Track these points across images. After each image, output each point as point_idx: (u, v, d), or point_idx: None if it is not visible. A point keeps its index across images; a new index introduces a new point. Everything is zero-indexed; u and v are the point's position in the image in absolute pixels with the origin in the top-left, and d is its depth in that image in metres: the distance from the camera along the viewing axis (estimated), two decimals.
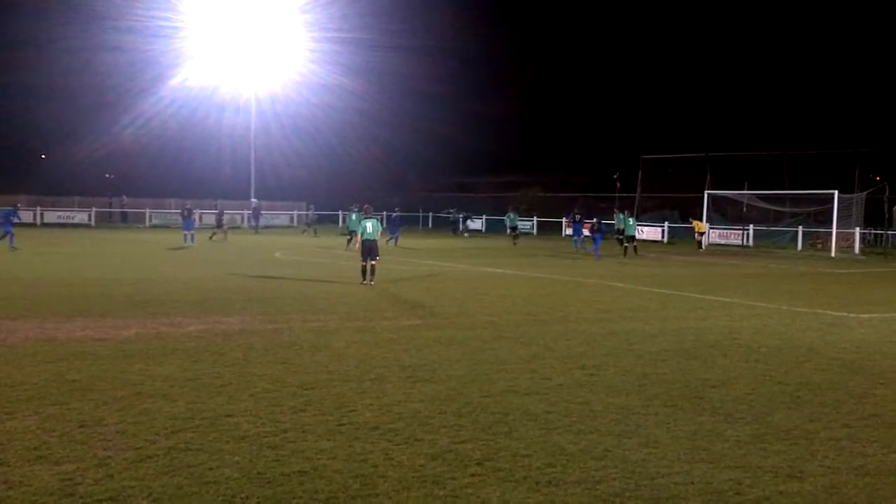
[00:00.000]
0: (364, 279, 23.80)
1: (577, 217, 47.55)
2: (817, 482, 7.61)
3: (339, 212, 77.70)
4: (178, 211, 50.82)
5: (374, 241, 24.04)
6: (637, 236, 49.26)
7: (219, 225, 49.83)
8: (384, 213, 73.56)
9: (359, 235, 24.37)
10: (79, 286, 22.03)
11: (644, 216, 62.46)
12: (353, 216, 41.46)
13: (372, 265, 23.87)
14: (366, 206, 26.11)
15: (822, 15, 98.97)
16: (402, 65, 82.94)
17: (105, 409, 9.49)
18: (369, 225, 24.14)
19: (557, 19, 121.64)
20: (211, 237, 47.61)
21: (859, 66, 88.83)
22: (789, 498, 7.22)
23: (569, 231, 52.06)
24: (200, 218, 56.26)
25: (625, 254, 42.20)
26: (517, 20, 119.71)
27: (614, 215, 49.91)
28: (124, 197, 74.01)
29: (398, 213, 50.29)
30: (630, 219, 44.02)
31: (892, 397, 10.98)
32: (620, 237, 44.87)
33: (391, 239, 45.14)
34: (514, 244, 49.74)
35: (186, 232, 42.75)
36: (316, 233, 54.40)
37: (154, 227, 67.20)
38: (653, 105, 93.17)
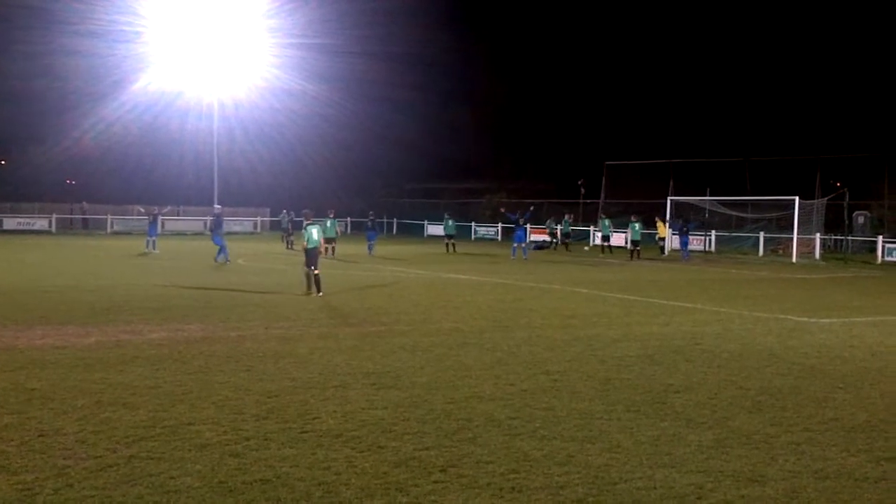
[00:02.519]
0: (309, 289, 22.59)
1: (521, 220, 43.18)
2: (778, 486, 7.67)
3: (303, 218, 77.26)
4: (146, 217, 48.98)
5: (318, 248, 23.20)
6: (602, 241, 50.08)
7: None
8: (348, 218, 73.50)
9: (304, 242, 22.99)
10: (39, 294, 21.78)
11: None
12: (329, 223, 41.24)
13: (315, 274, 22.62)
14: (305, 211, 25.05)
15: (780, 22, 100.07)
16: (367, 71, 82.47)
17: (65, 418, 9.39)
18: (314, 231, 23.25)
19: (523, 27, 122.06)
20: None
21: (819, 73, 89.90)
22: (750, 502, 7.29)
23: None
24: (163, 224, 55.39)
25: (631, 257, 44.05)
26: (482, 27, 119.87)
27: (599, 222, 50.45)
28: (84, 203, 73.23)
29: (373, 219, 46.78)
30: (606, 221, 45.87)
31: (851, 401, 11.11)
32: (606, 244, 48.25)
33: (371, 246, 43.62)
34: (448, 251, 46.17)
35: (150, 238, 42.06)
36: (290, 244, 47.13)
37: (116, 233, 66.54)
38: (617, 112, 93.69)
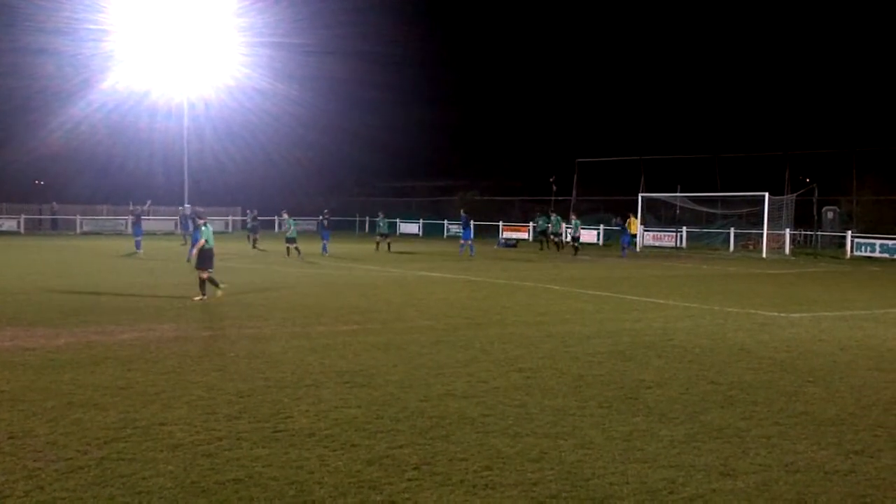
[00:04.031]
0: (204, 294, 20.86)
1: (467, 218, 44.20)
2: (749, 479, 7.73)
3: (275, 217, 77.03)
4: (130, 217, 47.76)
5: (212, 248, 21.65)
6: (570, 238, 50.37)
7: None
8: (320, 217, 73.27)
9: (203, 241, 21.42)
10: (7, 295, 21.56)
11: (580, 219, 63.16)
12: (292, 223, 40.74)
13: (209, 276, 21.25)
14: (198, 209, 23.86)
15: (749, 20, 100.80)
16: (337, 70, 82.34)
17: (35, 420, 9.30)
18: (211, 232, 21.92)
19: (493, 24, 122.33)
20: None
21: (787, 70, 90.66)
22: (722, 496, 7.33)
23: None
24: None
25: (575, 252, 44.59)
26: (452, 25, 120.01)
27: (545, 217, 50.46)
28: (54, 204, 72.53)
29: (327, 217, 45.38)
30: (557, 219, 46.57)
31: (821, 395, 11.21)
32: (557, 239, 48.48)
33: (323, 246, 42.83)
34: (377, 249, 44.92)
35: (136, 238, 41.79)
36: (255, 244, 45.31)
37: (85, 233, 66.02)
38: (588, 110, 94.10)
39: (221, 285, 21.42)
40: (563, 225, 50.44)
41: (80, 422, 9.27)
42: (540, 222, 54.13)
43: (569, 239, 48.27)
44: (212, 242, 21.64)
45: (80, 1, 67.18)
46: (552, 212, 52.47)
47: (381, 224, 47.57)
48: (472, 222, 45.78)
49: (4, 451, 8.20)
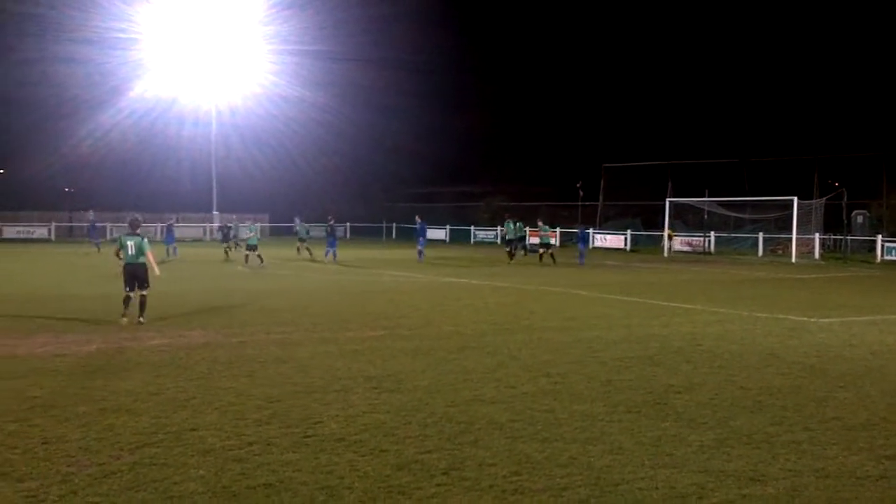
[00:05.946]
0: (126, 311, 18.14)
1: (422, 224, 43.77)
2: (779, 485, 7.70)
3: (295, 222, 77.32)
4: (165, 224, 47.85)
5: (139, 264, 18.54)
6: (601, 244, 49.99)
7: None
8: (347, 223, 73.41)
9: (117, 248, 18.99)
10: (39, 302, 21.79)
11: (607, 224, 63.07)
12: (249, 230, 39.04)
13: (142, 296, 18.31)
14: (132, 217, 20.03)
15: (778, 23, 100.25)
16: (363, 77, 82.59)
17: (68, 426, 9.40)
18: (131, 244, 18.56)
19: (518, 30, 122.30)
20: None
21: (816, 73, 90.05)
22: (752, 501, 7.31)
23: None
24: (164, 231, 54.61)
25: (541, 259, 41.65)
26: (478, 32, 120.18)
27: (505, 225, 48.27)
28: (91, 212, 72.77)
29: (332, 224, 43.65)
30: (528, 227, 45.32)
31: (851, 400, 11.13)
32: (513, 246, 44.64)
33: (329, 253, 41.70)
34: (299, 253, 43.91)
35: (168, 245, 42.72)
36: (228, 253, 43.53)
37: (114, 240, 66.39)
38: (615, 114, 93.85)
39: (141, 319, 18.04)
40: (527, 229, 48.52)
41: (112, 427, 9.36)
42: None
43: (533, 245, 46.30)
44: (128, 258, 18.57)
45: (109, 10, 67.97)
46: (509, 218, 49.25)
47: (300, 229, 46.71)
48: (426, 228, 44.80)
49: (38, 456, 8.30)
